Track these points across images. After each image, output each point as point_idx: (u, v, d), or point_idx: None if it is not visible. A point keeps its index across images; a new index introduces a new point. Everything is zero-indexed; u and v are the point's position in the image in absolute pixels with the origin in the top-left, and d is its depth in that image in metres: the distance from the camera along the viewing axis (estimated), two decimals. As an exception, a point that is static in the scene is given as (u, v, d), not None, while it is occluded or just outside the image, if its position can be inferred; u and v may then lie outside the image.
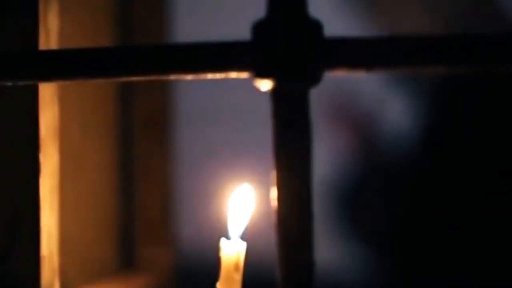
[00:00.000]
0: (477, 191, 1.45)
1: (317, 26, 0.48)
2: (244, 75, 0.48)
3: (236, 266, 0.64)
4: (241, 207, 0.66)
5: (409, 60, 0.49)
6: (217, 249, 0.65)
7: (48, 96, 0.64)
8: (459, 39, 0.48)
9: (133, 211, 0.91)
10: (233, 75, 0.49)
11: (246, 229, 0.66)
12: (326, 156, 1.49)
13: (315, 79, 0.48)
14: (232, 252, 0.64)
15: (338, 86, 1.49)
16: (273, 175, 0.47)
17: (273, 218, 0.48)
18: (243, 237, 0.66)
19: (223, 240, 0.65)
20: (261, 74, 0.47)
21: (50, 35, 0.65)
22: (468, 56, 0.48)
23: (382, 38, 0.50)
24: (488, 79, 1.39)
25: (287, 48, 0.47)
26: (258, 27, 0.48)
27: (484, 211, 1.46)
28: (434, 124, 1.49)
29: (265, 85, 0.48)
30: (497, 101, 1.44)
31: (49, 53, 0.60)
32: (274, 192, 0.47)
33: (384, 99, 1.51)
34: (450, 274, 1.44)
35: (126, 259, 0.90)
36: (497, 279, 1.45)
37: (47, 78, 0.57)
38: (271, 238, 0.49)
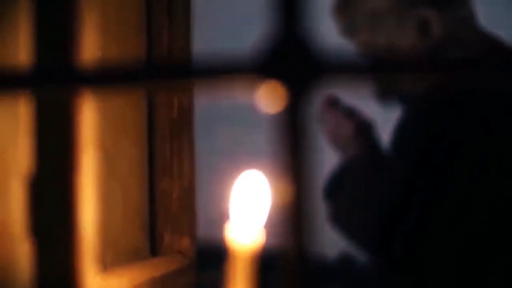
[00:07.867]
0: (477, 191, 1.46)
1: (310, 40, 0.53)
2: (251, 79, 0.54)
3: (247, 251, 0.69)
4: (249, 197, 0.72)
5: (397, 72, 0.55)
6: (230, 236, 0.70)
7: (88, 104, 0.71)
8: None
9: (157, 204, 0.95)
10: (242, 83, 0.54)
11: (256, 217, 0.72)
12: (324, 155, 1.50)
13: (310, 88, 0.54)
14: (243, 238, 0.69)
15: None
16: (277, 171, 0.53)
17: (279, 210, 0.53)
18: (253, 225, 0.72)
19: (233, 228, 0.70)
20: (265, 78, 0.53)
21: (87, 50, 0.72)
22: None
23: (372, 53, 0.54)
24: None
25: (287, 59, 0.53)
26: (263, 41, 0.53)
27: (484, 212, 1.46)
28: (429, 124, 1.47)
29: (268, 91, 0.54)
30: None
31: (88, 67, 0.67)
32: (278, 188, 0.53)
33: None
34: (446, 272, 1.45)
35: (152, 247, 0.95)
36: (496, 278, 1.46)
37: (87, 90, 0.63)
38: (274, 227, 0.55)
